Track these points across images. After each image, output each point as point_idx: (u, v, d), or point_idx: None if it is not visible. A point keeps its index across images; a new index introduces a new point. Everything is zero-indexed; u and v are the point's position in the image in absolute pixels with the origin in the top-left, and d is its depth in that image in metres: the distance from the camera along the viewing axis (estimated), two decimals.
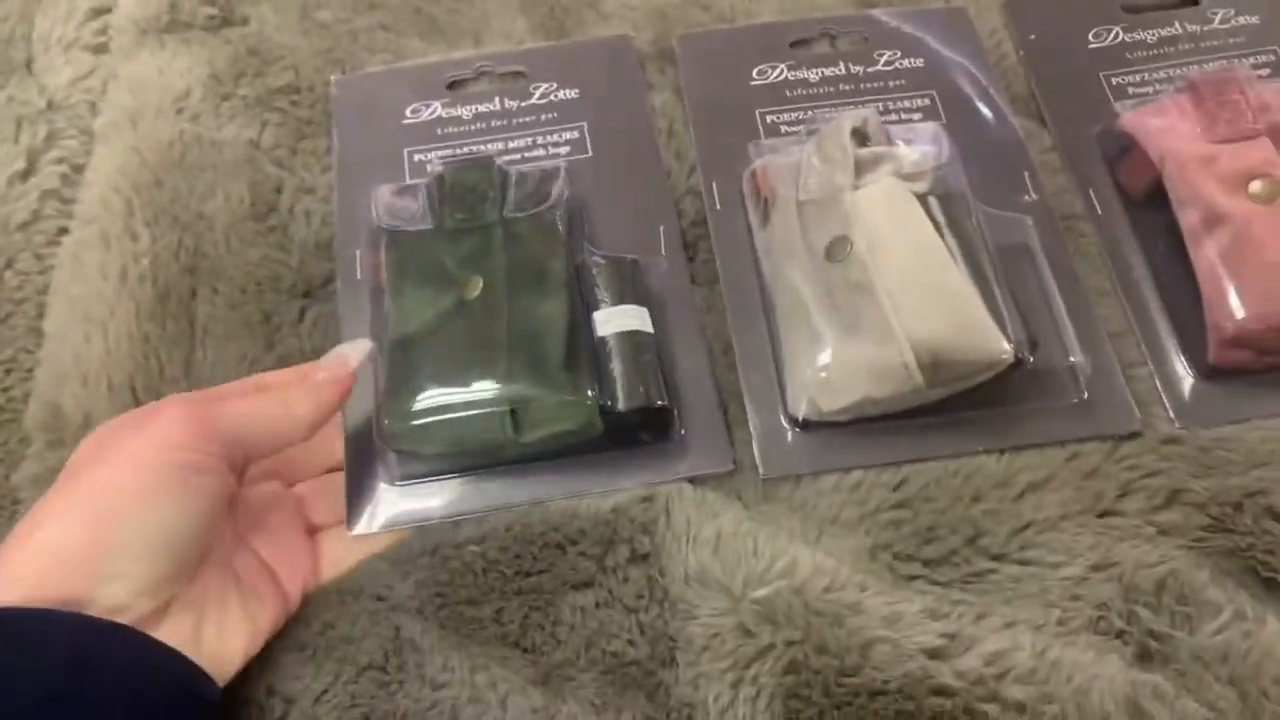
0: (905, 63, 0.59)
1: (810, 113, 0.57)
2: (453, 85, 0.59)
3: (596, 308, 0.47)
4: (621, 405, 0.45)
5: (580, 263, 0.49)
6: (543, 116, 0.57)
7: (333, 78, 0.60)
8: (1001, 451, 0.47)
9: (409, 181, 0.54)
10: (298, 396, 0.43)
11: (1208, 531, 0.46)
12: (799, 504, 0.46)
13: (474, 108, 0.58)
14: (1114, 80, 0.58)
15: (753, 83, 0.58)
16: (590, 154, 0.56)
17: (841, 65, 0.58)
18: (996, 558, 0.45)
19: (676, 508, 0.46)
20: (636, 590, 0.44)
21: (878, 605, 0.43)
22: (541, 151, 0.56)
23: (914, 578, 0.45)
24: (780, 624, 0.42)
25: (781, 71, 0.58)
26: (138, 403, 0.49)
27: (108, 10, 0.63)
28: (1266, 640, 0.42)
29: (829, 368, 0.46)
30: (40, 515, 0.37)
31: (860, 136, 0.50)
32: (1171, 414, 0.48)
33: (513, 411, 0.44)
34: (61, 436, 0.48)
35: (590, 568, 0.45)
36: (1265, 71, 0.58)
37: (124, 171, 0.55)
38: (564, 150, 0.56)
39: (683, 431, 0.48)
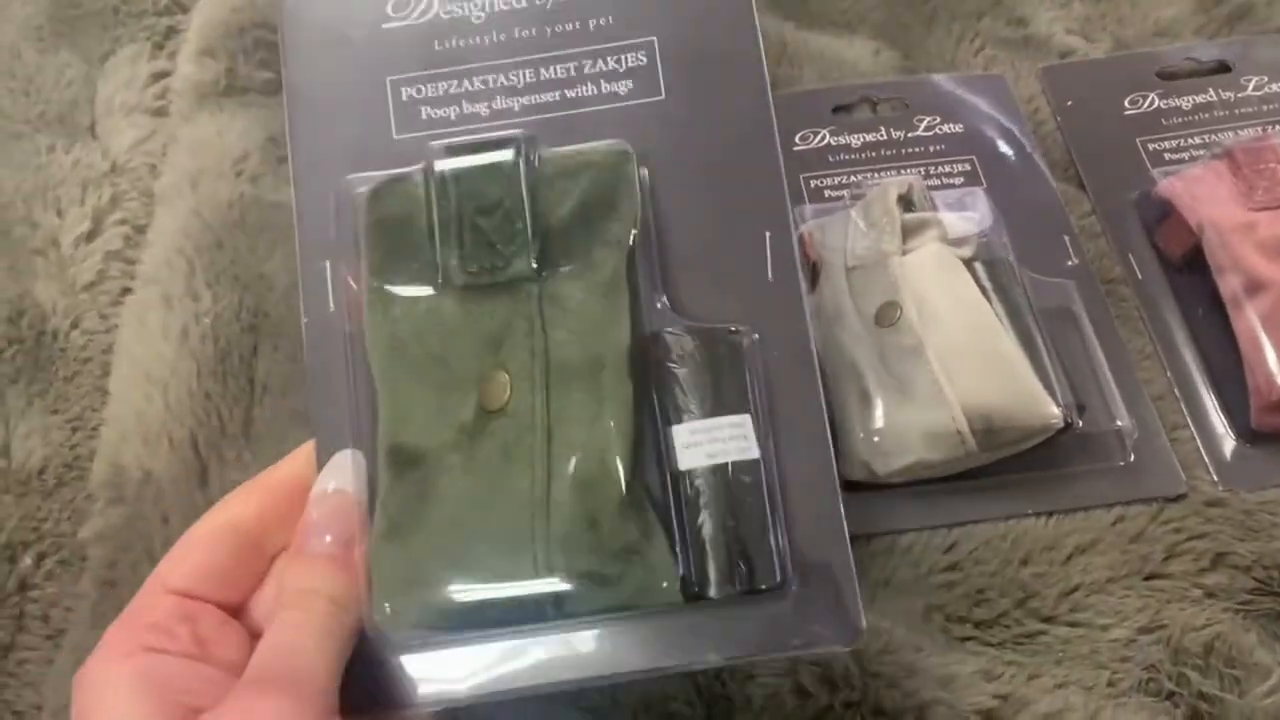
0: (945, 128, 0.60)
1: (853, 178, 0.58)
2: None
3: (677, 419, 0.33)
4: (714, 591, 0.32)
5: (652, 335, 0.34)
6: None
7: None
8: (1050, 514, 0.48)
9: (397, 171, 0.35)
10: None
11: (1253, 594, 0.46)
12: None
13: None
14: (1150, 146, 0.59)
15: (795, 148, 0.59)
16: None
17: (883, 130, 0.60)
18: (1047, 619, 0.45)
19: None
20: None
21: (933, 667, 0.44)
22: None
23: (966, 639, 0.45)
24: (838, 685, 0.43)
25: (824, 137, 0.60)
26: (199, 459, 0.50)
27: (167, 75, 0.64)
28: None
29: (882, 432, 0.47)
30: None
31: (905, 202, 0.51)
32: (1215, 476, 0.49)
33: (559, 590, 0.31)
34: (123, 494, 0.49)
35: None
36: None
37: (185, 233, 0.57)
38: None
39: (794, 584, 0.33)
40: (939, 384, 0.46)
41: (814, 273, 0.53)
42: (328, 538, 0.32)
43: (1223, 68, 0.62)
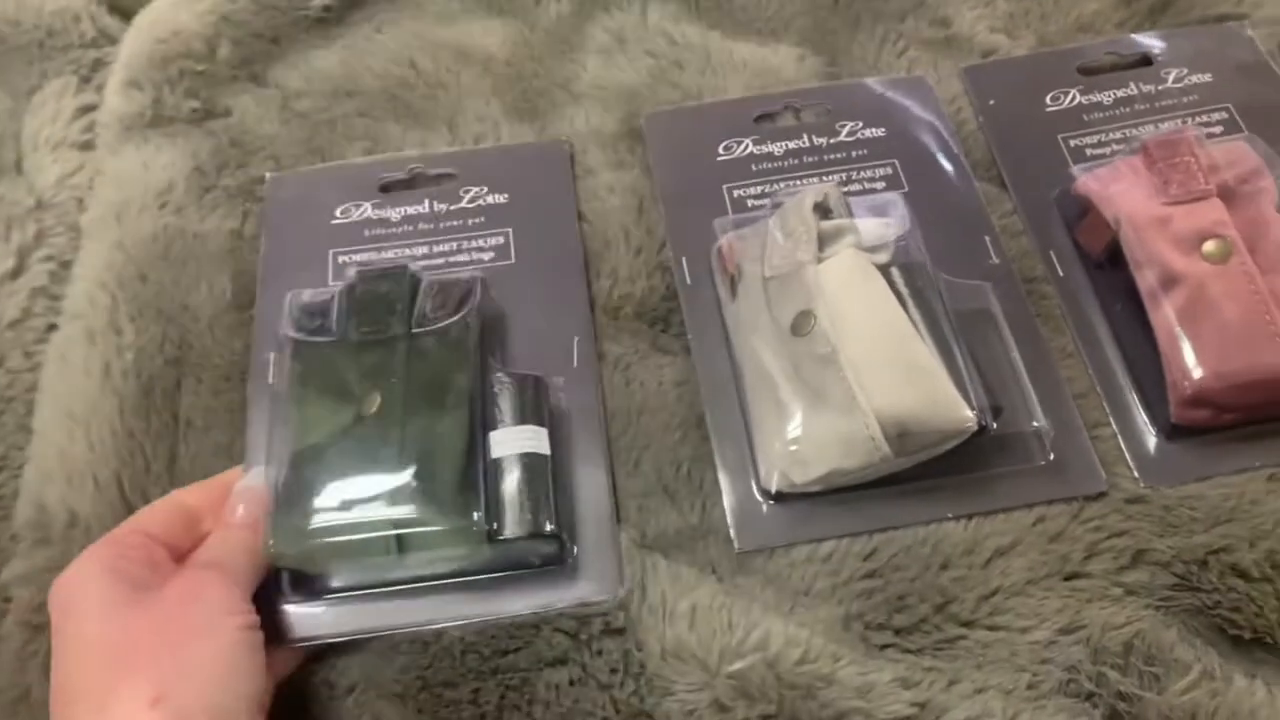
0: (868, 133, 0.60)
1: (776, 186, 0.58)
2: (387, 187, 0.60)
3: (495, 427, 0.47)
4: (507, 532, 0.45)
5: (486, 379, 0.49)
6: (470, 221, 0.58)
7: (267, 175, 0.61)
8: (970, 517, 0.48)
9: (324, 288, 0.53)
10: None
11: (1174, 590, 0.46)
12: (773, 576, 0.47)
13: (403, 210, 0.59)
14: (1072, 142, 0.59)
15: (719, 158, 0.60)
16: (513, 261, 0.56)
17: (805, 138, 0.60)
18: (966, 624, 0.45)
19: (651, 582, 0.47)
20: (611, 665, 0.45)
21: (850, 676, 0.44)
22: (465, 257, 0.57)
23: (886, 646, 0.45)
24: (755, 698, 0.43)
25: (747, 146, 0.60)
26: (124, 500, 0.50)
27: (94, 108, 0.65)
28: (1233, 699, 0.43)
29: (798, 441, 0.47)
30: None
31: (822, 210, 0.51)
32: (1136, 473, 0.49)
33: (399, 534, 0.44)
34: (48, 535, 0.49)
35: (565, 644, 0.46)
36: (1219, 129, 0.59)
37: (109, 267, 0.57)
38: (488, 256, 0.57)
39: (575, 554, 0.48)
40: (852, 391, 0.46)
41: (732, 284, 0.53)
42: (240, 509, 0.46)
43: (1144, 61, 0.63)
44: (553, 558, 0.47)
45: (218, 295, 0.57)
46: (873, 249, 0.50)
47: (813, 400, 0.47)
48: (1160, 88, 0.61)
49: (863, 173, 0.59)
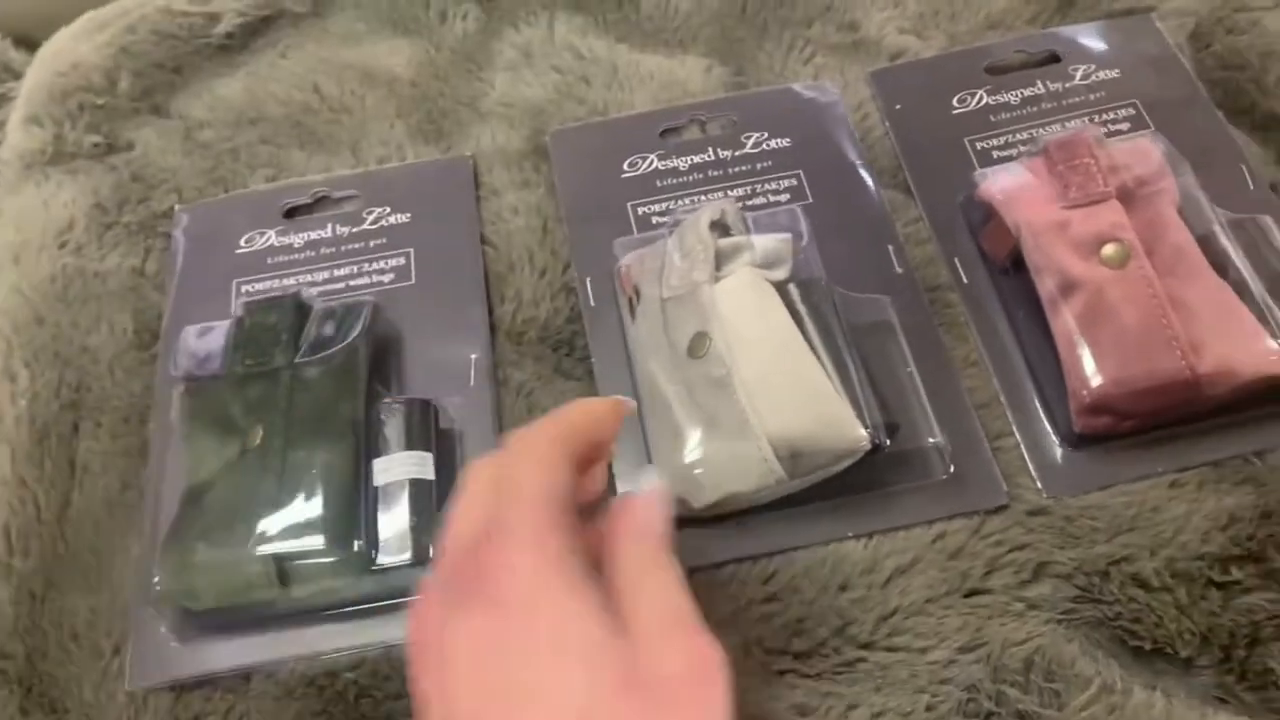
0: (773, 143, 0.59)
1: (681, 201, 0.57)
2: (291, 213, 0.60)
3: (378, 454, 0.47)
4: (388, 560, 0.45)
5: (374, 406, 0.49)
6: (372, 243, 0.58)
7: (175, 207, 0.60)
8: (870, 535, 0.47)
9: (215, 323, 0.52)
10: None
11: (1076, 603, 0.46)
12: None
13: (306, 235, 0.58)
14: (978, 145, 0.59)
15: (624, 175, 0.59)
16: (413, 282, 0.56)
17: (710, 151, 0.59)
18: (865, 646, 0.45)
19: None
20: None
21: (747, 704, 0.43)
22: (366, 280, 0.56)
23: (785, 672, 0.45)
24: None
25: (652, 162, 0.59)
26: (9, 548, 0.49)
27: None
28: (1131, 712, 0.43)
29: (694, 465, 0.46)
30: None
31: (720, 227, 0.51)
32: (1039, 484, 0.49)
33: (282, 567, 0.44)
34: None
35: None
36: (1125, 126, 0.59)
37: (5, 312, 0.56)
38: (388, 278, 0.56)
39: None
40: (745, 414, 0.45)
41: (631, 306, 0.52)
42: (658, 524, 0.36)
43: (1053, 58, 0.62)
44: None
45: (118, 335, 0.56)
46: (770, 265, 0.50)
47: (708, 424, 0.47)
48: (1068, 85, 0.60)
49: (767, 185, 0.58)
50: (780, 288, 0.49)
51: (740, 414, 0.45)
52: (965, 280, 0.55)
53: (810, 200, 0.57)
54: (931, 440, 0.48)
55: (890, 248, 0.55)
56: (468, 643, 0.31)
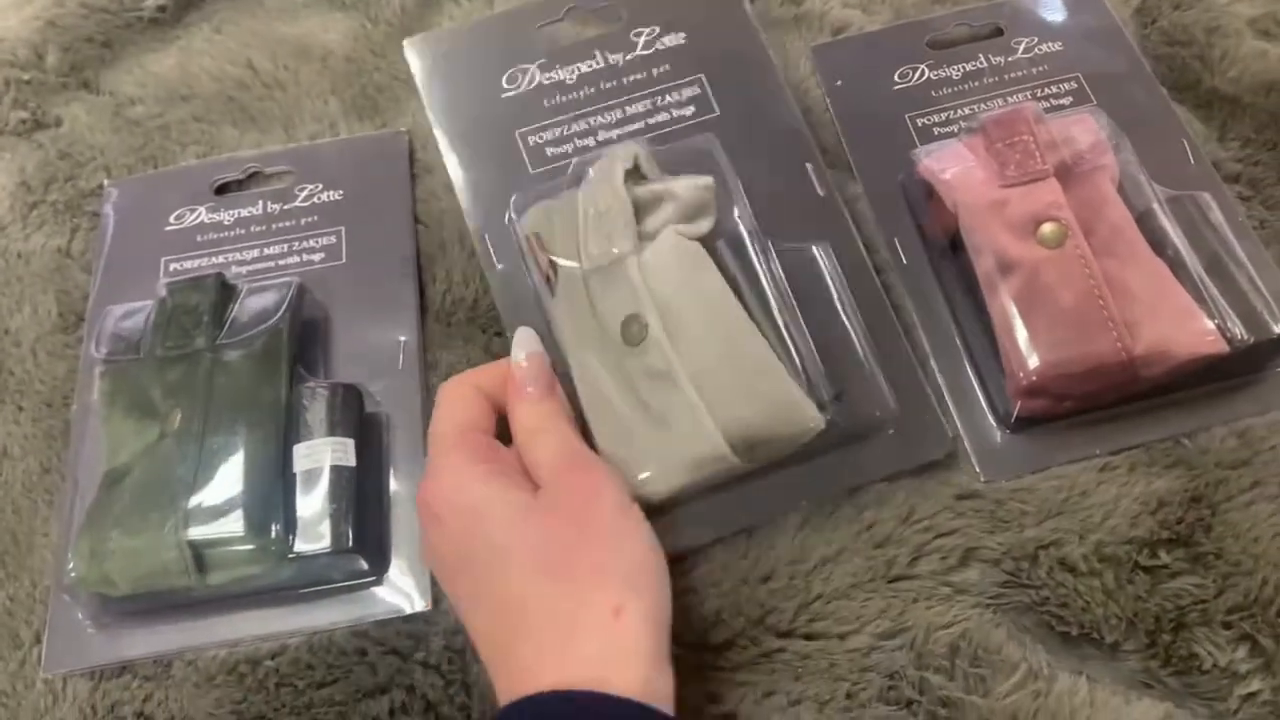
0: (666, 40, 0.56)
1: (573, 126, 0.54)
2: (223, 189, 0.58)
3: (298, 440, 0.46)
4: (306, 548, 0.44)
5: (296, 390, 0.48)
6: (303, 220, 0.56)
7: (105, 182, 0.59)
8: (802, 528, 0.46)
9: (139, 303, 0.51)
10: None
11: (1004, 588, 0.45)
12: None
13: (236, 212, 0.57)
14: (919, 121, 0.58)
15: (505, 94, 0.55)
16: (344, 261, 0.55)
17: (599, 56, 0.55)
18: (784, 635, 0.44)
19: None
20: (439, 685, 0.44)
21: None
22: (296, 259, 0.55)
23: (701, 666, 0.44)
24: None
25: (534, 76, 0.55)
26: None
27: None
28: (1054, 701, 0.42)
29: (645, 463, 0.44)
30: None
31: (635, 175, 0.47)
32: (977, 467, 0.48)
33: (198, 554, 0.44)
34: None
35: (393, 665, 0.45)
36: (1068, 100, 0.58)
37: None
38: (319, 258, 0.55)
39: (388, 567, 0.47)
40: (695, 410, 0.43)
41: (549, 281, 0.49)
42: (530, 388, 0.44)
43: (996, 31, 0.61)
44: (361, 573, 0.47)
45: (42, 317, 0.55)
46: (693, 218, 0.47)
47: (654, 420, 0.44)
48: (1010, 59, 0.59)
49: (667, 97, 0.54)
50: (709, 246, 0.46)
51: (690, 409, 0.43)
52: (904, 261, 0.54)
53: (717, 113, 0.54)
54: (878, 411, 0.47)
55: (809, 166, 0.53)
56: (437, 556, 0.41)
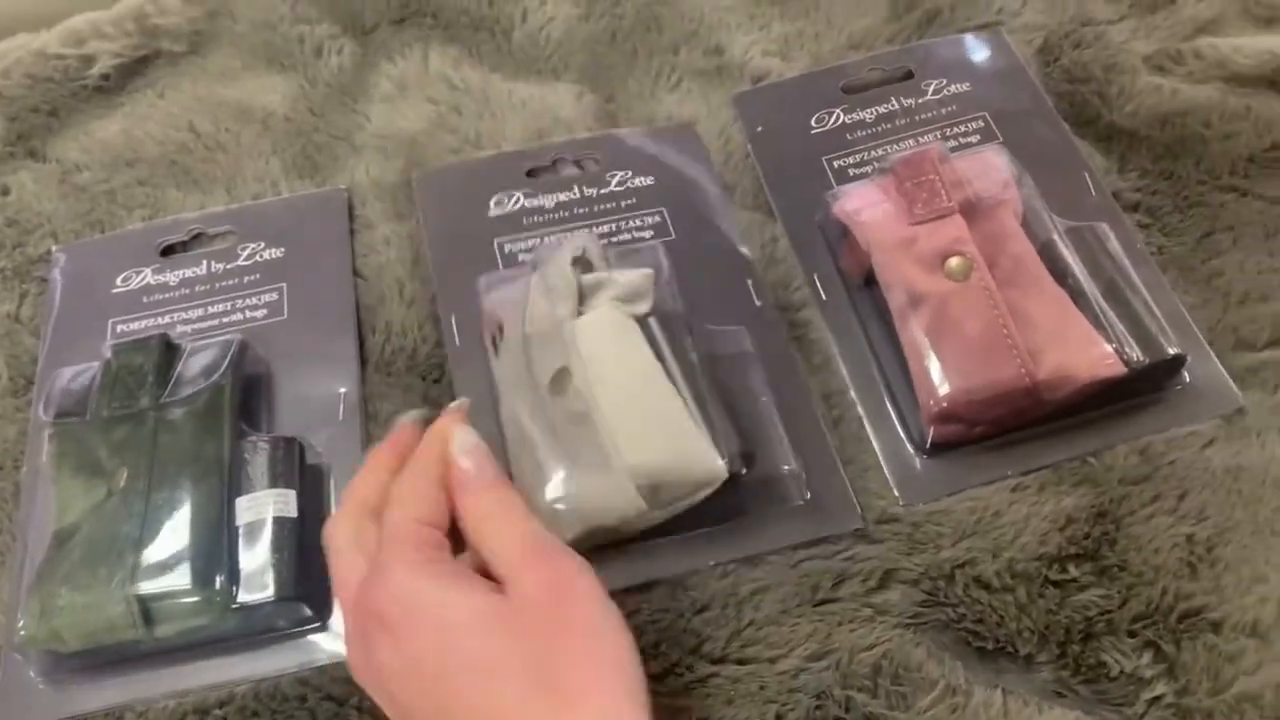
0: (637, 181, 0.61)
1: (547, 238, 0.58)
2: (168, 250, 0.60)
3: (239, 493, 0.48)
4: (249, 598, 0.45)
5: (239, 444, 0.49)
6: (246, 279, 0.58)
7: (53, 248, 0.61)
8: (730, 564, 0.48)
9: (86, 365, 0.53)
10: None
11: (922, 607, 0.47)
12: None
13: (181, 273, 0.58)
14: (835, 164, 0.60)
15: (490, 213, 0.60)
16: (286, 316, 0.57)
17: (576, 189, 0.60)
18: (718, 661, 0.46)
19: None
20: None
21: None
22: (239, 316, 0.57)
23: None
24: None
25: (518, 200, 0.60)
26: None
27: None
28: (972, 711, 0.44)
29: (556, 501, 0.47)
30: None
31: (583, 263, 0.51)
32: (897, 492, 0.50)
33: (145, 607, 0.45)
34: None
35: (330, 711, 0.46)
36: (976, 138, 0.61)
37: None
38: (261, 314, 0.57)
39: (330, 617, 0.48)
40: (606, 449, 0.46)
41: (495, 343, 0.53)
42: (474, 479, 0.40)
43: (907, 75, 0.64)
44: (305, 620, 0.48)
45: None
46: (631, 300, 0.50)
47: (570, 459, 0.47)
48: (920, 100, 0.62)
49: (632, 222, 0.59)
50: (641, 321, 0.50)
51: (601, 449, 0.46)
52: (824, 297, 0.56)
53: (673, 236, 0.58)
54: (787, 467, 0.50)
55: (749, 281, 0.57)
56: (385, 671, 0.36)
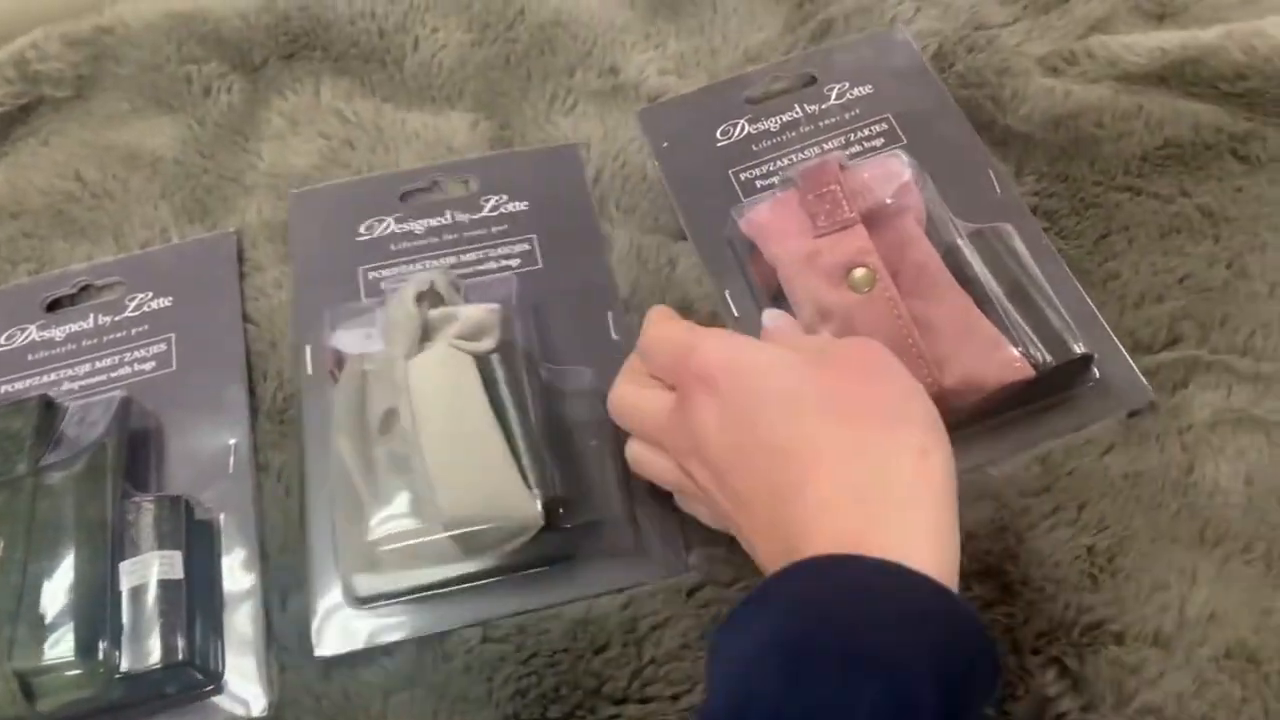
0: (510, 207, 0.59)
1: (414, 266, 0.57)
2: (54, 305, 0.58)
3: (123, 557, 0.46)
4: (134, 665, 0.44)
5: (123, 505, 0.48)
6: (134, 330, 0.56)
7: None
8: (625, 592, 0.47)
9: None
10: None
11: None
12: (427, 680, 0.46)
13: (67, 328, 0.57)
14: (742, 176, 0.59)
15: (359, 238, 0.58)
16: (174, 368, 0.55)
17: (448, 214, 0.59)
18: (620, 701, 0.45)
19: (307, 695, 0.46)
20: None
21: None
22: (128, 370, 0.55)
23: None
24: None
25: (389, 225, 0.59)
26: None
27: None
28: None
29: (373, 545, 0.46)
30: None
31: (432, 296, 0.51)
32: None
33: (25, 682, 0.43)
34: None
35: None
36: (880, 140, 0.60)
37: None
38: (150, 366, 0.55)
39: (222, 674, 0.47)
40: (421, 492, 0.45)
41: (334, 377, 0.52)
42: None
43: (810, 80, 0.63)
44: (195, 683, 0.46)
45: None
46: (476, 336, 0.50)
47: (386, 503, 0.46)
48: (824, 106, 0.61)
49: (499, 250, 0.58)
50: (484, 359, 0.49)
51: (417, 492, 0.46)
52: (736, 314, 0.55)
53: (540, 266, 0.57)
54: (614, 512, 0.49)
55: (610, 314, 0.56)
56: (704, 430, 0.40)
